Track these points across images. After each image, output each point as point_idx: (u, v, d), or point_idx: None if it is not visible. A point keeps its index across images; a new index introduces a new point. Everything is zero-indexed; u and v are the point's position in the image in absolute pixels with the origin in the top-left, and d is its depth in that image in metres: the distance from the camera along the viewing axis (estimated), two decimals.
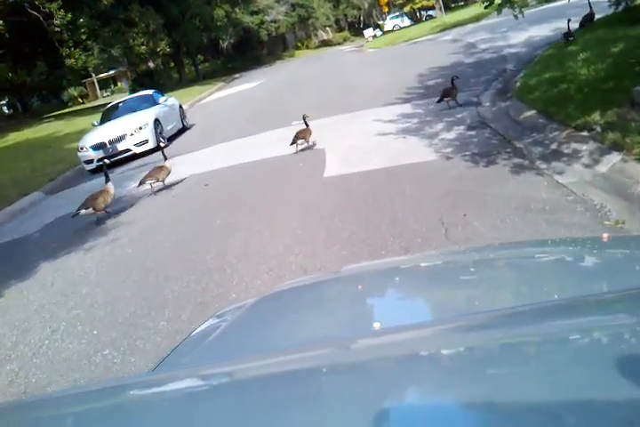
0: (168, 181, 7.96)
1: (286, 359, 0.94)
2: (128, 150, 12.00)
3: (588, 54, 8.63)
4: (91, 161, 11.99)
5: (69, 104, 49.00)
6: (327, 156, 7.51)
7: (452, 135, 7.06)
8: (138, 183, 7.78)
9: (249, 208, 5.90)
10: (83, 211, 6.89)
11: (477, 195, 4.74)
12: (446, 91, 8.75)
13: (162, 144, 8.03)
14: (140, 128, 12.07)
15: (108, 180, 7.20)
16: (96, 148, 11.94)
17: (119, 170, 11.44)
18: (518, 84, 9.20)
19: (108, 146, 11.92)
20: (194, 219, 6.04)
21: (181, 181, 8.29)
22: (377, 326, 1.19)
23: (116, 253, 5.56)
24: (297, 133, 7.97)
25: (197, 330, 1.60)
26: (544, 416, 0.60)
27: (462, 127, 7.38)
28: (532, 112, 7.35)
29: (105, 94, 54.68)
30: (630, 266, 1.35)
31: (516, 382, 0.68)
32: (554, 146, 5.97)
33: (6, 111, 39.65)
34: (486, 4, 7.09)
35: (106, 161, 7.58)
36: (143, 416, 0.84)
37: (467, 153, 6.14)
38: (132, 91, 32.04)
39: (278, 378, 0.86)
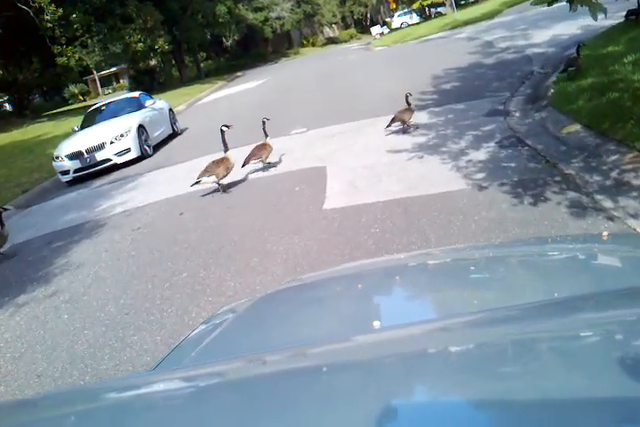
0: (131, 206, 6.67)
1: (287, 358, 0.94)
2: (108, 160, 10.70)
3: (637, 56, 7.32)
4: (67, 172, 10.73)
5: (70, 102, 48.02)
6: (329, 178, 6.23)
7: (481, 155, 5.76)
8: (242, 165, 7.06)
9: (224, 257, 4.62)
10: (204, 179, 6.58)
11: None
12: (571, 60, 7.97)
13: (264, 120, 7.24)
14: (122, 135, 10.78)
15: (226, 148, 6.79)
16: (72, 157, 10.65)
17: (97, 183, 10.19)
18: (552, 90, 7.89)
19: (86, 155, 10.63)
20: (154, 268, 4.74)
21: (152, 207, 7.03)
22: (378, 324, 1.16)
23: (47, 318, 4.27)
24: (396, 114, 7.37)
25: (197, 329, 1.54)
26: (549, 412, 0.60)
27: (492, 144, 6.08)
28: (576, 127, 6.05)
29: (107, 91, 53.49)
30: (630, 264, 1.35)
31: (520, 380, 0.69)
32: (616, 174, 4.68)
33: (9, 108, 38.30)
34: None
35: (224, 129, 6.86)
36: (142, 415, 0.83)
37: (504, 181, 4.86)
38: (131, 89, 30.92)
39: (279, 377, 0.85)
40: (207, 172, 6.57)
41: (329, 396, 0.74)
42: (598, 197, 4.29)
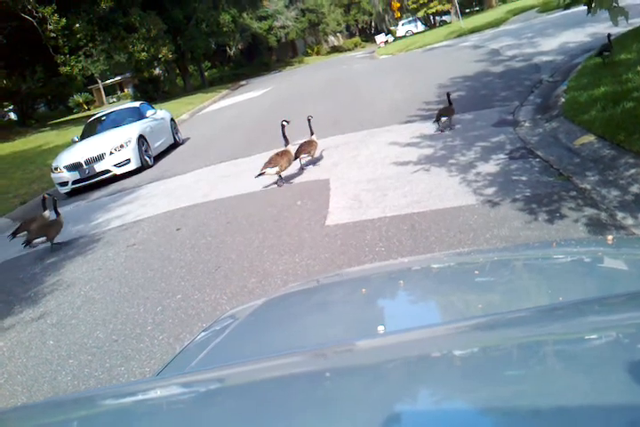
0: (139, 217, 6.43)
1: (291, 363, 0.93)
2: (107, 171, 10.53)
3: None
4: (65, 183, 10.56)
5: (75, 111, 48.06)
6: (332, 191, 5.99)
7: (490, 167, 5.51)
8: (293, 158, 7.13)
9: (220, 277, 4.36)
10: (268, 170, 6.70)
11: None
12: (604, 46, 8.31)
13: (309, 118, 7.56)
14: (122, 146, 10.60)
15: (287, 142, 6.96)
16: (71, 168, 10.47)
17: (96, 195, 9.99)
18: (563, 99, 7.65)
19: (85, 166, 10.45)
20: (147, 289, 4.48)
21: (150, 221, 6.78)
22: (382, 328, 1.15)
23: (32, 344, 4.02)
24: (440, 110, 7.59)
25: (202, 333, 1.55)
26: (555, 417, 0.59)
27: (502, 155, 5.83)
28: (590, 138, 5.80)
29: (111, 100, 53.64)
30: (635, 267, 1.33)
31: (526, 384, 0.68)
32: (636, 189, 4.43)
33: (14, 118, 38.21)
34: None
35: (284, 123, 7.11)
36: (147, 421, 0.83)
37: (517, 196, 4.60)
38: (135, 98, 30.86)
39: (283, 382, 0.85)
40: (271, 163, 6.70)
41: (333, 401, 0.73)
42: (619, 214, 4.04)
